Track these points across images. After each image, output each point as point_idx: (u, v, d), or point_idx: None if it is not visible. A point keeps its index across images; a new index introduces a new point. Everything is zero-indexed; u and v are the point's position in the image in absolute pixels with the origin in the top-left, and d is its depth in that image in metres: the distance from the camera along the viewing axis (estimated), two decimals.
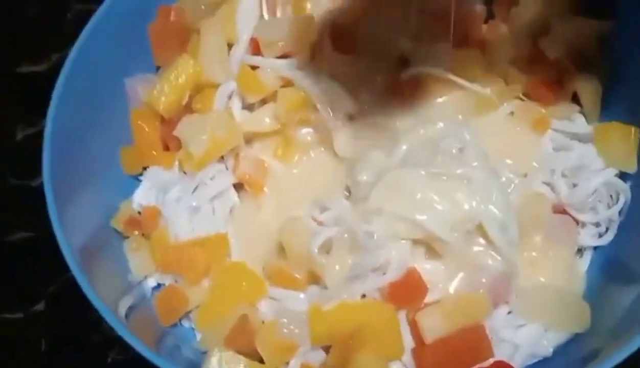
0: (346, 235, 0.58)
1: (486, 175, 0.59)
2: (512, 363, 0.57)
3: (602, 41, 0.67)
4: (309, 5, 0.70)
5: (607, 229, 0.65)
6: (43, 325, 0.75)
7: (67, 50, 0.92)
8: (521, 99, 0.69)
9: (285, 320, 0.57)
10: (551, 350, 0.59)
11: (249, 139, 0.69)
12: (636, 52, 0.64)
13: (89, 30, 0.65)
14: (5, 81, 0.92)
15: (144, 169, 0.70)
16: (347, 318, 0.56)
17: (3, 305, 0.76)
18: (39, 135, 0.85)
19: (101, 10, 0.65)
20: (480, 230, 0.58)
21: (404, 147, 0.62)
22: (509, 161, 0.66)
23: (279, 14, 0.70)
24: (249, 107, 0.69)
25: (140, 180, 0.69)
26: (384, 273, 0.57)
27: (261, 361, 0.57)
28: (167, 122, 0.67)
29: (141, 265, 0.63)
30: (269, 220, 0.66)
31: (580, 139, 0.68)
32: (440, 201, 0.57)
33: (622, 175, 0.65)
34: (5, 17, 0.97)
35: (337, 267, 0.57)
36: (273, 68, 0.67)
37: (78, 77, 0.63)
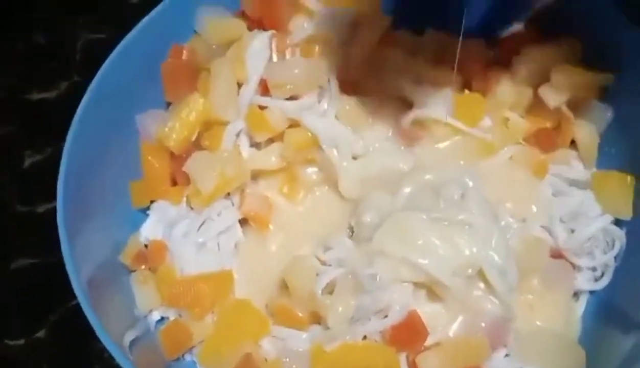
0: (350, 277, 0.59)
1: (487, 221, 0.61)
2: None
3: (602, 91, 0.69)
4: (317, 49, 0.72)
5: (602, 274, 0.66)
6: (44, 353, 0.75)
7: (76, 78, 0.95)
8: (521, 145, 0.70)
9: (287, 359, 0.57)
10: None
11: (255, 176, 0.71)
12: (634, 102, 0.66)
13: (108, 64, 0.66)
14: (14, 107, 0.93)
15: (152, 202, 0.71)
16: (348, 359, 0.56)
17: (5, 330, 0.77)
18: (46, 162, 0.87)
19: (117, 49, 0.67)
20: (481, 275, 0.59)
21: (407, 190, 0.64)
22: (508, 205, 0.67)
23: (288, 56, 0.72)
24: (256, 146, 0.71)
25: (148, 214, 0.70)
26: (386, 316, 0.58)
27: None
28: (177, 158, 0.69)
29: (147, 298, 0.64)
30: (273, 257, 0.67)
31: (578, 185, 0.69)
32: (442, 246, 0.59)
33: (618, 222, 0.67)
34: (16, 44, 0.99)
35: (340, 308, 0.58)
36: (281, 109, 0.69)
37: (93, 112, 0.64)
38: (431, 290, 0.60)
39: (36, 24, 1.01)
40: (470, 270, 0.59)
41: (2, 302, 0.78)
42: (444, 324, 0.59)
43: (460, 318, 0.59)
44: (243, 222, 0.69)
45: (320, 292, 0.58)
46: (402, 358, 0.58)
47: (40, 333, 0.76)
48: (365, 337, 0.59)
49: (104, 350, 0.54)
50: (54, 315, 0.77)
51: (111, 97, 0.66)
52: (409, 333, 0.58)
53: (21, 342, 0.76)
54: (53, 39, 1.00)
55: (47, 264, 0.78)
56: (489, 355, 0.58)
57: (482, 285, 0.60)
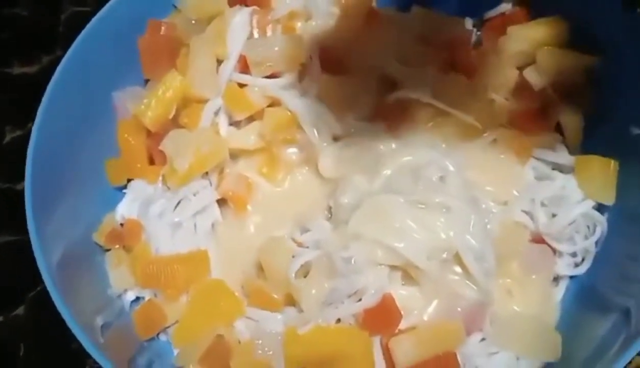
0: (325, 260, 0.58)
1: (465, 204, 0.60)
2: None
3: (588, 74, 0.68)
4: (299, 26, 0.71)
5: (583, 259, 0.66)
6: (22, 330, 0.75)
7: (59, 52, 0.94)
8: (505, 127, 0.69)
9: (260, 341, 0.57)
10: None
11: (234, 156, 0.70)
12: (620, 87, 0.65)
13: (80, 40, 0.65)
14: None
15: (128, 181, 0.70)
16: (321, 342, 0.56)
17: None
18: (27, 138, 0.85)
19: (93, 21, 0.66)
20: (457, 259, 0.59)
21: (387, 172, 0.63)
22: (490, 188, 0.66)
23: (269, 33, 0.70)
24: (235, 124, 0.70)
25: (124, 193, 0.70)
26: (360, 299, 0.58)
27: None
28: (154, 136, 0.68)
29: (121, 278, 0.64)
30: (250, 238, 0.66)
31: (562, 169, 0.68)
32: (418, 229, 0.58)
33: (600, 207, 0.66)
34: None
35: (313, 291, 0.57)
36: (261, 87, 0.68)
37: (67, 86, 0.64)
38: (407, 273, 0.60)
39: None
40: (445, 254, 0.58)
41: None
42: (420, 308, 0.59)
43: (435, 302, 0.59)
44: (221, 202, 0.69)
45: (294, 274, 0.58)
46: (376, 341, 0.58)
47: (19, 310, 0.76)
48: (339, 320, 0.59)
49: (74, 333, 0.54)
50: (33, 293, 0.77)
51: (86, 72, 0.65)
52: (382, 317, 0.58)
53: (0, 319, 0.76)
54: (36, 11, 0.98)
55: (26, 241, 0.77)
56: (463, 340, 0.58)
57: (459, 269, 0.60)
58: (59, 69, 0.63)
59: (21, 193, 0.83)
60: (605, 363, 0.52)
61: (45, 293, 0.77)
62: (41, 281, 0.76)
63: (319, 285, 0.58)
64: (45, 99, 0.62)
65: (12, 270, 0.78)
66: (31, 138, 0.60)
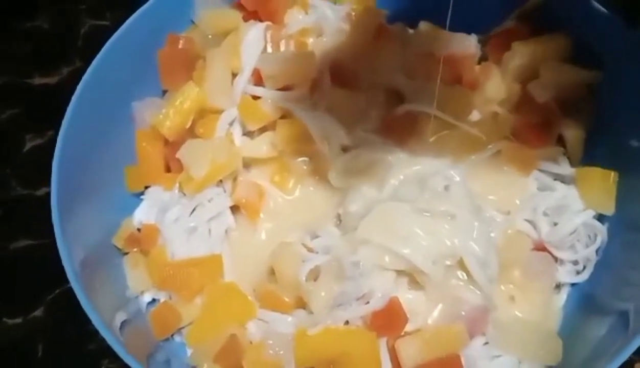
0: (334, 264, 0.60)
1: (469, 212, 0.62)
2: None
3: (589, 88, 0.70)
4: (310, 41, 0.73)
5: (584, 267, 0.68)
6: (41, 331, 0.77)
7: (78, 64, 0.97)
8: (509, 140, 0.71)
9: (271, 341, 0.59)
10: None
11: (247, 164, 0.72)
12: (620, 101, 0.67)
13: (103, 53, 0.67)
14: (17, 92, 0.95)
15: (146, 187, 0.73)
16: (330, 343, 0.58)
17: (3, 309, 0.79)
18: (46, 146, 0.89)
19: (115, 35, 0.68)
20: (461, 265, 0.61)
21: (394, 182, 0.65)
22: (493, 198, 0.68)
23: (282, 48, 0.73)
24: (249, 134, 0.72)
25: (142, 199, 0.72)
26: (367, 302, 0.60)
27: None
28: (171, 145, 0.70)
29: (138, 280, 0.66)
30: (262, 244, 0.68)
31: (564, 180, 0.70)
32: (424, 236, 0.60)
33: (601, 217, 0.68)
34: (20, 29, 1.01)
35: (322, 293, 0.59)
36: (273, 99, 0.70)
37: (90, 97, 0.66)
38: (413, 278, 0.62)
39: (40, 9, 1.02)
40: (450, 260, 0.60)
41: (1, 282, 0.80)
42: (425, 311, 0.61)
43: (440, 306, 0.61)
44: (235, 209, 0.71)
45: (304, 278, 0.60)
46: (383, 343, 0.60)
47: (38, 312, 0.79)
48: (347, 322, 0.61)
49: (98, 330, 0.56)
50: (51, 295, 0.79)
51: (107, 84, 0.67)
52: (389, 319, 0.59)
53: (19, 320, 0.78)
54: (57, 24, 1.01)
55: (45, 245, 0.79)
56: (466, 343, 0.60)
57: (463, 275, 0.62)
58: (82, 80, 0.65)
59: (41, 199, 0.87)
60: (603, 364, 0.53)
61: (63, 295, 0.81)
62: (60, 284, 0.80)
63: (328, 288, 0.60)
64: (69, 109, 0.64)
65: (31, 273, 0.81)
66: (57, 146, 0.62)
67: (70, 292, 0.57)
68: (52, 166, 0.62)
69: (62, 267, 0.58)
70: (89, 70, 0.66)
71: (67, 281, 0.57)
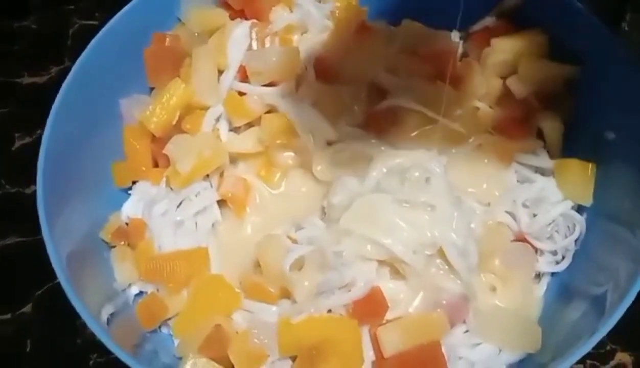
0: (317, 254, 0.62)
1: (449, 204, 0.63)
2: None
3: (568, 83, 0.72)
4: (295, 38, 0.75)
5: (563, 257, 0.69)
6: (29, 327, 0.78)
7: (67, 64, 0.98)
8: (489, 133, 0.73)
9: (256, 330, 0.60)
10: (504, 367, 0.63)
11: (234, 159, 0.73)
12: (597, 95, 0.69)
13: (89, 50, 0.68)
14: (5, 91, 0.96)
15: (134, 183, 0.73)
16: (313, 331, 0.59)
17: None
18: (35, 144, 0.89)
19: (101, 32, 0.69)
20: (442, 254, 0.62)
21: (376, 174, 0.66)
22: (473, 190, 0.70)
23: (267, 45, 0.74)
24: (235, 130, 0.74)
25: (129, 194, 0.73)
26: (350, 291, 0.61)
27: None
28: (158, 140, 0.71)
29: (126, 273, 0.67)
30: (248, 237, 0.70)
31: (543, 172, 0.72)
32: (405, 226, 0.62)
33: (579, 208, 0.70)
34: (10, 29, 1.02)
35: (306, 283, 0.60)
36: (259, 95, 0.71)
37: (77, 94, 0.67)
38: (394, 268, 0.63)
39: (29, 9, 1.03)
40: (430, 250, 0.62)
41: None
42: (406, 300, 0.62)
43: (421, 295, 0.62)
44: (221, 203, 0.72)
45: (288, 267, 0.61)
46: (365, 330, 0.61)
47: (27, 308, 0.79)
48: (330, 311, 0.62)
49: (85, 325, 0.57)
50: (40, 291, 0.80)
51: (94, 81, 0.68)
52: (370, 307, 0.60)
53: (7, 316, 0.79)
54: (46, 24, 1.02)
55: (34, 242, 0.80)
56: (446, 331, 0.61)
57: (444, 264, 0.63)
58: (69, 77, 0.66)
59: (30, 197, 0.88)
60: (580, 345, 0.54)
61: (51, 291, 0.81)
62: (48, 280, 0.81)
63: (311, 278, 0.61)
64: (55, 106, 0.65)
65: (20, 269, 0.82)
66: (42, 142, 0.63)
67: (59, 288, 0.58)
68: (38, 163, 0.62)
69: (51, 264, 0.59)
70: (75, 67, 0.67)
71: (55, 278, 0.58)
